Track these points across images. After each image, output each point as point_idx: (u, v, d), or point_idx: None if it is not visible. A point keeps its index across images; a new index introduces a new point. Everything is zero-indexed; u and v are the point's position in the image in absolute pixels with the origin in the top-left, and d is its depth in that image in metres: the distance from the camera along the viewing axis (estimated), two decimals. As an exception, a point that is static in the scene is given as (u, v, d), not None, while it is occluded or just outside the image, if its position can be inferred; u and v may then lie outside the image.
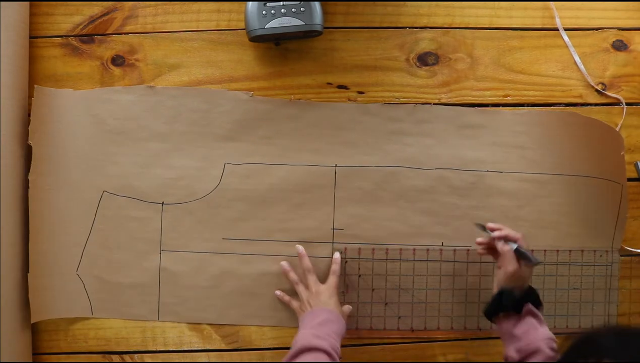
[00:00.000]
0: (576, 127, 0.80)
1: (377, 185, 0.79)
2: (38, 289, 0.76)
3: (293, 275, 0.76)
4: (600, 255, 0.80)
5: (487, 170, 0.80)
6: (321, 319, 0.69)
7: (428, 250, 0.79)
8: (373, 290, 0.79)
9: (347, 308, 0.77)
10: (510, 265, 0.67)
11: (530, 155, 0.80)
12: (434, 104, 0.80)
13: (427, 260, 0.80)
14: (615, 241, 0.81)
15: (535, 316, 0.67)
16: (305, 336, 0.66)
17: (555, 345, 0.64)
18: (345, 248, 0.79)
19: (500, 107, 0.81)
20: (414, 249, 0.79)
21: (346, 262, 0.79)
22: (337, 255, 0.77)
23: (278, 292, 0.78)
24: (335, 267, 0.76)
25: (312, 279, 0.75)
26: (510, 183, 0.80)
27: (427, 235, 0.79)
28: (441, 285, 0.80)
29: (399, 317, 0.79)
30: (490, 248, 0.72)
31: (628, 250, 0.82)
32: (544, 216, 0.80)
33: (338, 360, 0.64)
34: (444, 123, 0.80)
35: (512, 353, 0.66)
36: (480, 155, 0.80)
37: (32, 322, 0.76)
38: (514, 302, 0.67)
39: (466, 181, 0.80)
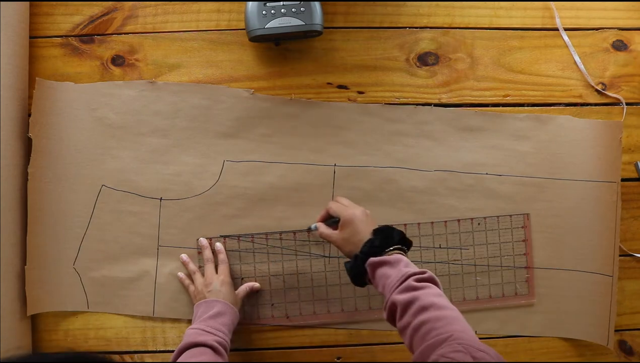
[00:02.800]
0: (575, 131, 0.80)
1: (375, 185, 0.79)
2: (34, 282, 0.76)
3: (192, 266, 0.77)
4: (510, 217, 0.80)
5: (486, 173, 0.80)
6: (214, 312, 0.69)
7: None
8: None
9: (246, 287, 0.77)
10: (331, 242, 0.68)
11: (529, 159, 0.80)
12: (435, 105, 0.80)
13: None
14: (616, 246, 0.80)
15: (382, 264, 0.61)
16: (193, 333, 0.66)
17: (411, 281, 0.58)
18: (225, 240, 0.79)
19: (501, 107, 0.81)
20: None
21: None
22: (219, 245, 0.78)
23: (180, 274, 0.78)
24: (222, 256, 0.77)
25: (208, 268, 0.76)
26: (509, 186, 0.80)
27: (424, 237, 0.79)
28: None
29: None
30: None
31: (626, 250, 0.82)
32: (542, 220, 0.80)
33: (225, 354, 0.65)
34: (444, 125, 0.80)
35: (383, 313, 0.60)
36: (480, 158, 0.80)
37: (28, 314, 0.76)
38: (352, 270, 0.64)
39: (465, 183, 0.80)
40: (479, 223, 0.80)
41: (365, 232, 0.65)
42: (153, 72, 0.79)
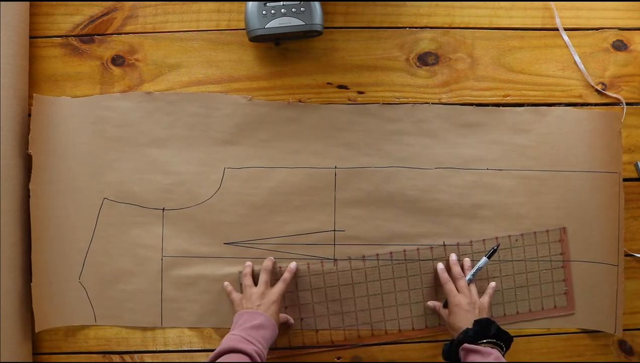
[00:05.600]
0: (574, 122, 0.80)
1: (377, 185, 0.79)
2: (41, 298, 0.76)
3: (249, 280, 0.76)
4: (547, 232, 0.80)
5: (487, 168, 0.80)
6: (256, 323, 0.69)
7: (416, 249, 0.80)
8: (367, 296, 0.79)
9: (284, 317, 0.77)
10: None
11: (530, 153, 0.80)
12: (433, 103, 0.80)
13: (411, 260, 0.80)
14: (620, 236, 0.81)
15: (476, 352, 0.66)
16: (233, 338, 0.67)
17: None
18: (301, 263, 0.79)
19: (501, 108, 0.81)
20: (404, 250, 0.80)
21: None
22: (293, 264, 0.77)
23: (225, 283, 0.78)
24: (287, 275, 0.76)
25: (263, 278, 0.75)
26: (511, 180, 0.80)
27: (429, 235, 0.79)
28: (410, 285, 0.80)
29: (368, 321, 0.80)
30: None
31: (627, 251, 0.82)
32: (545, 212, 0.80)
33: None
34: (443, 122, 0.80)
35: None
36: (480, 154, 0.80)
37: (36, 331, 0.76)
38: (448, 353, 0.70)
39: (466, 180, 0.80)
40: (516, 240, 0.80)
41: (466, 321, 0.71)
42: (153, 72, 0.79)
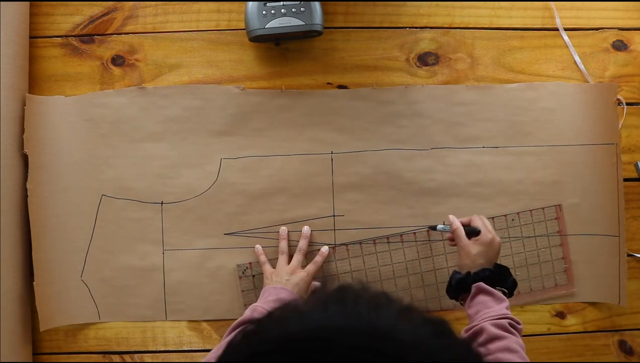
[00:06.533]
0: (568, 96, 0.80)
1: (374, 168, 0.79)
2: (44, 297, 0.76)
3: (283, 244, 0.77)
4: (543, 210, 0.80)
5: (483, 146, 0.80)
6: (280, 297, 0.70)
7: (402, 236, 0.80)
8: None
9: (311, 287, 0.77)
10: (457, 244, 0.71)
11: (525, 129, 0.80)
12: (425, 85, 0.80)
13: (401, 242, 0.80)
14: (620, 206, 0.80)
15: (489, 294, 0.65)
16: (256, 308, 0.68)
17: (507, 322, 0.62)
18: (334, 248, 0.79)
19: (493, 85, 0.81)
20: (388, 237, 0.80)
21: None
22: (325, 248, 0.77)
23: (258, 247, 0.78)
24: (319, 258, 0.76)
25: (297, 259, 0.76)
26: (507, 158, 0.80)
27: (428, 216, 0.79)
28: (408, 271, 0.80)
29: None
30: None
31: (627, 251, 0.82)
32: (543, 188, 0.80)
33: None
34: (437, 102, 0.80)
35: (463, 334, 0.64)
36: (475, 132, 0.80)
37: (41, 330, 0.76)
38: (459, 282, 0.68)
39: (463, 159, 0.80)
40: (512, 219, 0.80)
41: (489, 260, 0.69)
42: (153, 72, 0.79)
